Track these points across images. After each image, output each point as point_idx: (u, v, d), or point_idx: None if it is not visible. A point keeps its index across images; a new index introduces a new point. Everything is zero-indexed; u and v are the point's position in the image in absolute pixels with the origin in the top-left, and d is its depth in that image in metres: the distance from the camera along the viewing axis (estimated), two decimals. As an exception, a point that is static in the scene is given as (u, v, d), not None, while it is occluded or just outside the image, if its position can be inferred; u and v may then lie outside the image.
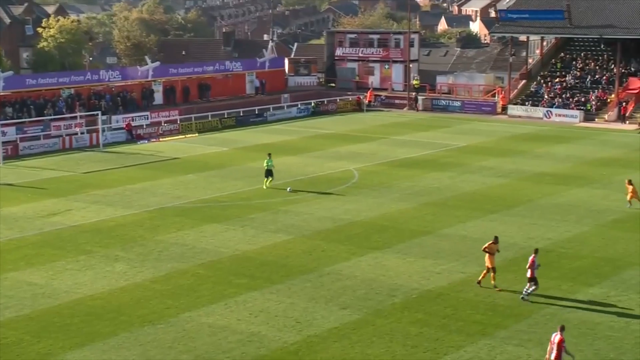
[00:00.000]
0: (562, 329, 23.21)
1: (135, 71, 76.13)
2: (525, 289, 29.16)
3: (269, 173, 46.00)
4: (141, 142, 64.20)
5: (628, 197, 41.62)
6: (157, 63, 78.94)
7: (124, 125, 66.03)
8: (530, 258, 29.23)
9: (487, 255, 30.37)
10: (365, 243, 36.01)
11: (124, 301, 29.30)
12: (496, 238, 31.04)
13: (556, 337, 22.98)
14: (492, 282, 30.16)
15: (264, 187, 46.00)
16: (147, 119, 68.93)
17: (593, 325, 26.82)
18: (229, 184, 47.85)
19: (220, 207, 42.52)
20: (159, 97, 74.66)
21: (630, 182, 42.15)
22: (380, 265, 33.05)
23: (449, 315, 27.84)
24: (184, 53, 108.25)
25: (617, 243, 35.43)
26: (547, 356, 23.26)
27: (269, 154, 46.65)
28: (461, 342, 25.59)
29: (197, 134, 67.37)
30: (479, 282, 30.38)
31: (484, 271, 30.45)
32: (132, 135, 65.16)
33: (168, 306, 28.72)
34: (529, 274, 29.08)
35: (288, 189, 45.29)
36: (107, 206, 43.08)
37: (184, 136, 66.57)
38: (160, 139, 65.09)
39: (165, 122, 69.19)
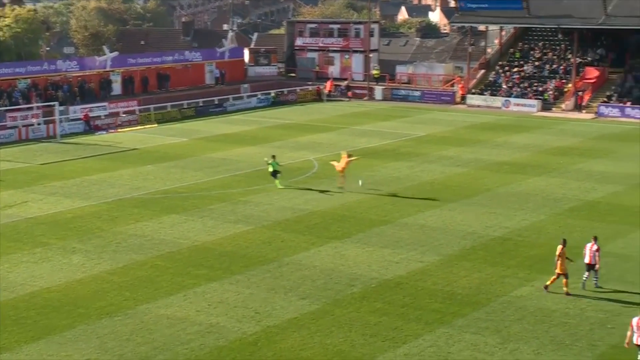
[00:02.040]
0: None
1: (93, 61, 75.40)
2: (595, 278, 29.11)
3: (275, 174, 44.14)
4: (99, 133, 63.63)
5: None
6: (116, 53, 78.25)
7: (82, 116, 65.40)
8: (590, 245, 28.98)
9: (559, 260, 28.58)
10: (325, 233, 36.02)
11: (81, 294, 29.04)
12: (564, 241, 29.00)
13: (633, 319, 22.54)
14: (565, 288, 28.68)
15: (279, 186, 44.04)
16: (106, 109, 68.35)
17: (549, 313, 27.07)
18: (188, 175, 47.62)
19: (180, 198, 42.30)
20: (117, 88, 74.06)
21: None
22: (339, 255, 33.09)
23: (407, 304, 27.94)
24: (142, 43, 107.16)
25: (574, 231, 35.83)
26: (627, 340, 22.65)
27: (273, 156, 44.92)
28: (420, 331, 25.71)
29: (156, 125, 66.92)
30: (546, 287, 28.88)
31: (554, 277, 28.88)
32: (90, 126, 64.56)
33: (126, 298, 28.53)
34: (588, 261, 28.80)
35: (360, 183, 43.57)
36: (64, 198, 42.65)
37: (142, 127, 66.09)
38: (119, 130, 64.56)
39: (124, 112, 68.66)
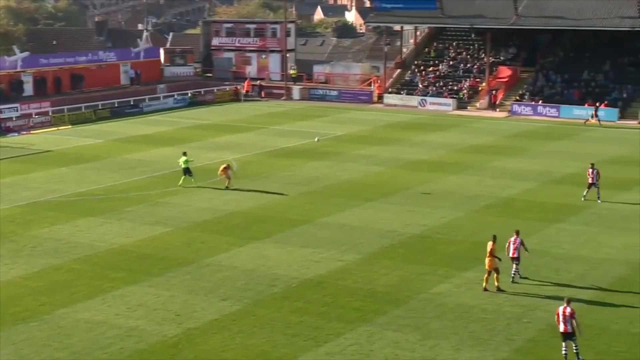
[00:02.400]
0: (569, 302, 23.71)
1: (2, 61, 73.58)
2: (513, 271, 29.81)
3: (186, 171, 44.16)
4: (11, 134, 62.14)
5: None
6: (27, 53, 76.68)
7: (-7, 118, 63.81)
8: (512, 239, 29.75)
9: (488, 258, 28.90)
10: (245, 233, 35.89)
11: (-5, 299, 28.34)
12: (494, 237, 29.29)
13: (565, 309, 23.41)
14: (496, 283, 29.01)
15: (179, 184, 44.20)
16: (17, 110, 66.86)
17: (468, 309, 27.47)
18: (104, 177, 46.88)
19: (96, 200, 41.62)
20: (29, 88, 72.55)
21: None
22: (260, 255, 33.00)
23: (328, 303, 28.02)
24: (54, 43, 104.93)
25: (490, 228, 36.24)
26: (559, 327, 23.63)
27: (184, 152, 45.00)
28: (341, 329, 25.80)
29: (70, 126, 65.69)
30: (497, 288, 29.06)
31: (485, 275, 29.16)
32: (1, 128, 63.00)
33: (42, 303, 27.99)
34: (512, 254, 29.64)
35: (317, 139, 43.28)
36: (-25, 201, 41.56)
37: (56, 128, 64.81)
38: (31, 132, 63.23)
39: (36, 114, 67.26)
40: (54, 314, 27.02)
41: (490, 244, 29.15)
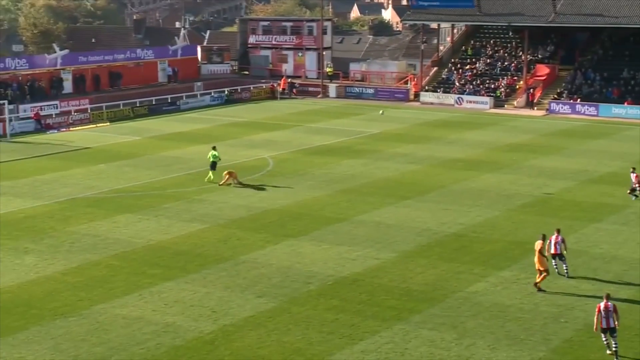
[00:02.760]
0: (608, 297, 23.92)
1: (43, 59, 74.33)
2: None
3: (212, 166, 44.70)
4: (50, 131, 62.82)
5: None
6: (66, 51, 77.33)
7: (32, 115, 64.51)
8: (554, 237, 30.02)
9: (538, 257, 29.00)
10: (281, 231, 35.96)
11: (34, 294, 28.64)
12: (543, 236, 29.66)
13: (607, 305, 23.60)
14: (539, 283, 29.01)
15: (207, 179, 44.64)
16: (57, 108, 67.52)
17: (504, 308, 27.30)
18: (142, 174, 47.21)
19: (134, 197, 41.93)
20: (68, 86, 73.15)
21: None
22: (295, 252, 33.04)
23: (364, 301, 27.98)
24: (93, 41, 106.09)
25: (526, 227, 36.22)
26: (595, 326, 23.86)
27: (214, 147, 45.63)
28: (376, 328, 25.76)
29: (108, 123, 66.24)
30: (537, 288, 28.88)
31: (537, 275, 29.10)
32: (41, 125, 63.71)
33: (80, 298, 28.18)
34: (553, 251, 29.85)
35: (381, 112, 43.43)
36: (15, 197, 42.02)
37: (95, 125, 65.39)
38: (71, 129, 63.80)
39: (76, 111, 67.84)
40: (92, 309, 27.23)
41: (539, 243, 29.12)
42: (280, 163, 49.64)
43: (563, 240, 30.18)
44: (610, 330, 23.61)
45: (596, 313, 23.79)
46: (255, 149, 54.55)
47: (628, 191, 41.29)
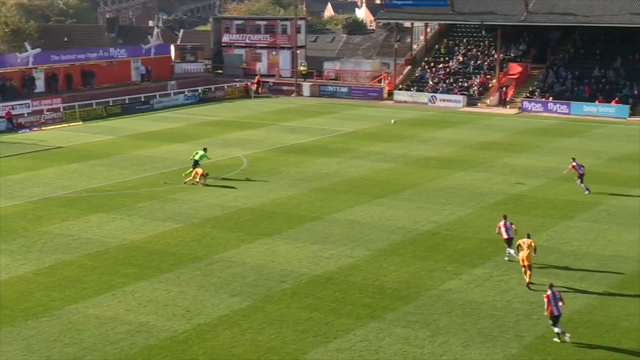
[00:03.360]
0: (552, 286, 25.14)
1: (14, 58, 73.73)
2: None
3: (195, 164, 44.49)
4: (22, 131, 62.35)
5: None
6: (38, 50, 76.80)
7: (4, 114, 64.01)
8: (502, 223, 31.76)
9: (527, 252, 29.35)
10: (255, 230, 35.94)
11: (6, 295, 28.41)
12: (528, 235, 30.20)
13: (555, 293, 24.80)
14: (528, 279, 29.31)
15: (183, 177, 44.58)
16: (29, 107, 67.10)
17: (477, 305, 27.45)
18: (115, 173, 46.99)
19: (107, 197, 41.73)
20: (40, 85, 72.72)
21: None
22: (269, 251, 33.04)
23: (338, 299, 28.03)
24: (66, 39, 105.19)
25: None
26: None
27: (205, 148, 45.67)
28: (350, 326, 25.82)
29: (81, 122, 65.85)
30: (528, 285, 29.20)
31: (523, 270, 29.54)
32: (13, 124, 63.22)
33: (53, 298, 28.05)
34: (506, 236, 31.52)
35: (392, 122, 44.72)
36: (-13, 197, 41.73)
37: (67, 124, 65.01)
38: (43, 128, 63.42)
39: (48, 110, 67.44)
40: (64, 309, 27.08)
41: (525, 240, 29.46)
42: (254, 162, 49.59)
43: (512, 224, 31.82)
44: (557, 318, 24.60)
45: (546, 302, 24.67)
46: (229, 147, 54.45)
47: (578, 181, 42.22)
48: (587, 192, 41.77)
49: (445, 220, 37.30)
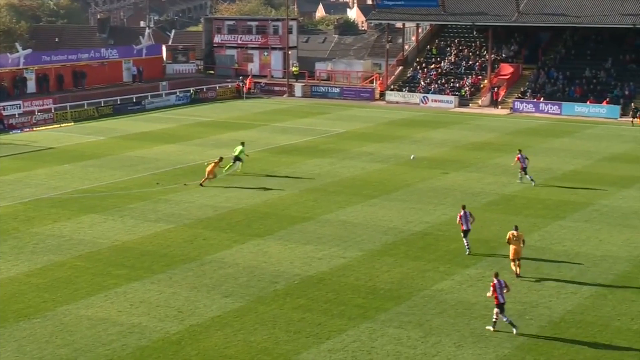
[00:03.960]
0: (497, 274, 26.06)
1: (5, 59, 73.46)
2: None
3: (236, 159, 46.27)
4: (14, 131, 62.16)
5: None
6: (29, 50, 76.61)
7: (-5, 115, 63.83)
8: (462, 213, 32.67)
9: (514, 246, 30.06)
10: (247, 230, 35.90)
11: (-2, 296, 28.37)
12: (516, 227, 30.77)
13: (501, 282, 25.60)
14: (518, 270, 30.24)
15: (224, 172, 45.59)
16: (20, 108, 66.86)
17: (469, 305, 27.47)
18: (107, 174, 46.87)
19: (99, 198, 41.62)
20: (31, 86, 72.50)
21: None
22: (262, 252, 33.00)
23: (330, 300, 28.02)
24: (57, 40, 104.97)
25: (492, 224, 36.43)
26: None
27: (242, 143, 47.37)
28: (343, 326, 25.82)
29: (72, 123, 65.66)
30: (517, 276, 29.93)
31: (512, 263, 30.32)
32: (4, 125, 63.01)
33: (45, 300, 27.99)
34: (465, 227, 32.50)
35: (412, 157, 47.97)
36: (-22, 199, 41.58)
37: (58, 125, 64.81)
38: (34, 129, 63.21)
39: (39, 111, 67.20)
40: (56, 310, 27.03)
41: (515, 233, 30.09)
42: (246, 162, 49.37)
43: (470, 214, 32.76)
44: (502, 305, 25.30)
45: (492, 290, 25.42)
46: (221, 148, 54.29)
47: (522, 173, 43.92)
48: (532, 183, 43.28)
49: (438, 221, 37.30)
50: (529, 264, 31.12)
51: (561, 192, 42.46)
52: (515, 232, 30.15)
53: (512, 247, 29.98)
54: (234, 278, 30.03)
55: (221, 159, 45.15)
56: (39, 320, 26.23)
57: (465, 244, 32.63)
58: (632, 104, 67.27)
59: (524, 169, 43.67)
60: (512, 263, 30.21)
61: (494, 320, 25.41)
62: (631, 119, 64.59)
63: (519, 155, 43.87)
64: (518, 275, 29.68)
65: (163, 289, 28.90)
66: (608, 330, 25.55)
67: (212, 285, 29.35)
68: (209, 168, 43.97)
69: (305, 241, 34.39)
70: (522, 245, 30.15)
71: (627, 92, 69.79)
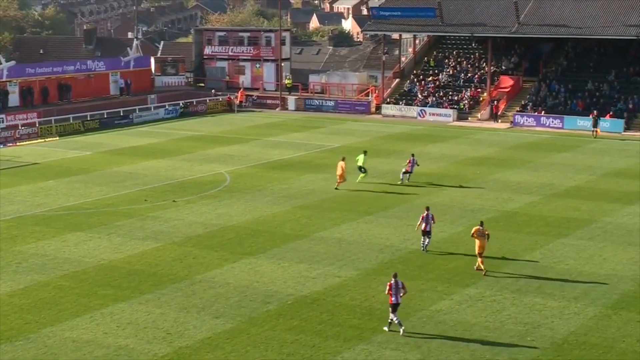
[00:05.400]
0: (396, 275, 26.76)
1: (-13, 71, 72.54)
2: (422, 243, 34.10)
3: (360, 168, 47.25)
4: (-3, 146, 61.28)
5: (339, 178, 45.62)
6: (13, 62, 76.09)
7: (-23, 129, 62.90)
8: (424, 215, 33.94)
9: (479, 240, 31.70)
10: (238, 249, 35.29)
11: (-23, 318, 27.52)
12: (481, 222, 32.65)
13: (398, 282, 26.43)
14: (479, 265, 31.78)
15: (357, 181, 46.93)
16: (3, 122, 66.15)
17: (469, 326, 26.89)
18: (93, 190, 46.08)
19: (84, 215, 40.85)
20: (14, 99, 71.65)
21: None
22: (254, 271, 32.40)
23: (325, 320, 27.48)
24: (42, 52, 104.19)
25: (492, 242, 35.27)
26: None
27: (365, 151, 48.61)
28: (338, 348, 25.29)
29: (57, 138, 64.79)
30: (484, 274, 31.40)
31: (479, 259, 31.82)
32: (-14, 140, 62.11)
33: (28, 321, 27.46)
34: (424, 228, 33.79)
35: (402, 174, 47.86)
36: (-40, 215, 40.70)
37: (43, 140, 63.97)
38: (17, 143, 62.51)
39: (23, 125, 66.43)
40: (40, 332, 26.53)
41: (480, 228, 31.79)
42: (237, 178, 48.70)
43: (432, 217, 33.97)
44: (396, 306, 26.13)
45: (388, 290, 26.23)
46: (211, 163, 53.58)
47: (404, 173, 46.94)
48: (400, 182, 46.69)
49: (436, 238, 36.36)
50: (531, 282, 30.56)
51: (564, 209, 41.81)
52: (480, 228, 31.76)
53: (477, 242, 31.48)
54: (225, 298, 29.42)
55: (344, 158, 46.17)
56: (21, 343, 25.73)
57: (422, 244, 34.23)
58: (595, 112, 66.28)
59: (408, 172, 46.79)
60: (479, 259, 31.48)
61: (389, 320, 26.24)
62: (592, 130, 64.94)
63: (411, 159, 47.07)
64: (485, 274, 31.02)
65: (151, 310, 28.30)
66: (613, 352, 25.04)
67: (202, 305, 28.75)
68: (339, 172, 45.41)
69: (299, 260, 33.71)
70: (486, 240, 31.54)
71: (631, 106, 68.91)
